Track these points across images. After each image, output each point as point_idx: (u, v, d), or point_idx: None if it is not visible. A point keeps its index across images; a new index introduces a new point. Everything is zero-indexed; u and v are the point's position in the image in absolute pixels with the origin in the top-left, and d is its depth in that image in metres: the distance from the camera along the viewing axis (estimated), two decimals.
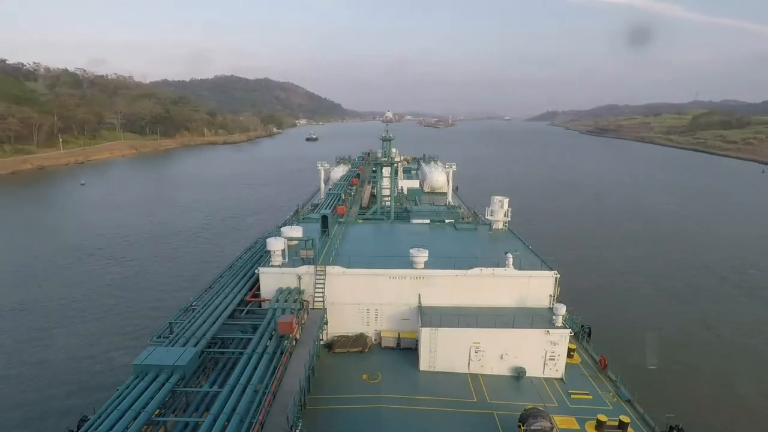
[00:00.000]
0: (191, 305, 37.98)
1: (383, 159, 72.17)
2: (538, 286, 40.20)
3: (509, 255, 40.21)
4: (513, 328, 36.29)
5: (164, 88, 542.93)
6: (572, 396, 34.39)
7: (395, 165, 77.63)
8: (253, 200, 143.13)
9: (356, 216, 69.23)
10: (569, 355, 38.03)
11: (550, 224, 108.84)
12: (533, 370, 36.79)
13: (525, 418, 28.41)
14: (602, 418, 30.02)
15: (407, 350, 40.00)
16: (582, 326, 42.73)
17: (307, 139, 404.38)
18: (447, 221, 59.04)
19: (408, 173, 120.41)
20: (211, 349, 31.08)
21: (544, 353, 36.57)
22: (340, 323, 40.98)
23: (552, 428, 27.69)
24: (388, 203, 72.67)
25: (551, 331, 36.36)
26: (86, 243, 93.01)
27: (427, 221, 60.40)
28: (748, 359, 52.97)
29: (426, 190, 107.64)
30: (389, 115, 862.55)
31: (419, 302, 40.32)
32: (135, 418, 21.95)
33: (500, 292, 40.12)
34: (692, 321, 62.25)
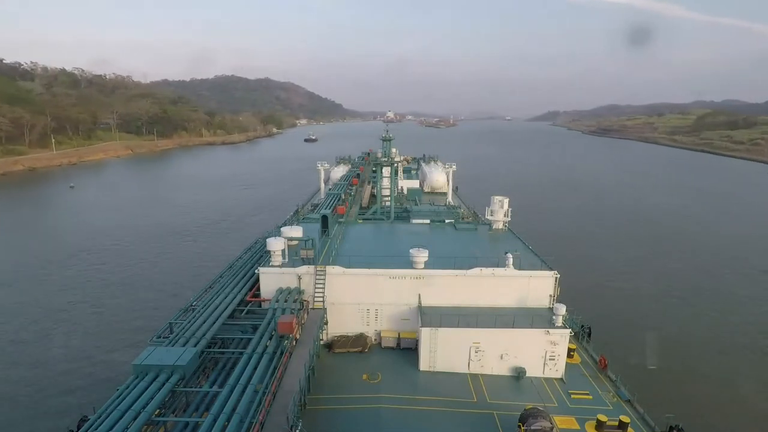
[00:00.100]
0: (191, 305, 38.00)
1: (383, 159, 72.17)
2: (538, 286, 40.20)
3: (509, 255, 40.21)
4: (513, 328, 36.29)
5: (164, 88, 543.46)
6: (572, 396, 34.39)
7: (395, 165, 77.64)
8: (251, 201, 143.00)
9: (356, 216, 69.24)
10: (569, 355, 38.03)
11: (551, 224, 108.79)
12: (533, 370, 36.78)
13: (525, 418, 28.41)
14: (602, 418, 30.02)
15: (407, 350, 40.00)
16: (582, 326, 42.72)
17: (306, 140, 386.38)
18: (447, 221, 59.04)
19: (408, 173, 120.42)
20: (211, 349, 31.08)
21: (544, 353, 36.56)
22: (340, 323, 40.99)
23: (552, 428, 27.68)
24: (388, 203, 72.67)
25: (551, 331, 36.36)
26: (63, 250, 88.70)
27: (427, 221, 60.41)
28: (748, 359, 52.99)
29: (426, 190, 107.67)
30: (390, 115, 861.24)
31: (419, 302, 40.32)
32: (135, 418, 21.95)
33: (500, 292, 40.12)
34: (692, 321, 62.22)
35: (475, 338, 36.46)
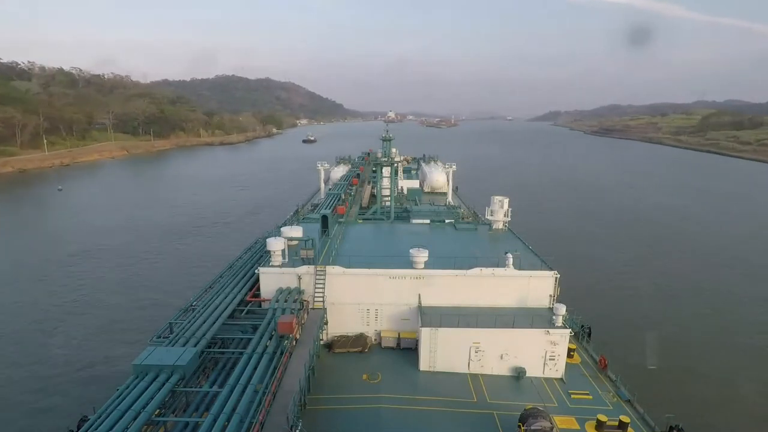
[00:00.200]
0: (191, 305, 38.02)
1: (383, 159, 72.17)
2: (538, 286, 40.21)
3: (509, 255, 40.22)
4: (513, 328, 36.30)
5: (164, 88, 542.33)
6: (572, 396, 34.39)
7: (395, 165, 77.65)
8: (251, 201, 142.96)
9: (356, 216, 69.26)
10: (569, 355, 38.04)
11: (551, 224, 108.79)
12: (533, 370, 36.78)
13: (525, 418, 28.41)
14: (602, 418, 30.02)
15: (407, 350, 40.01)
16: (582, 326, 42.72)
17: (304, 141, 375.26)
18: (447, 221, 59.06)
19: (408, 173, 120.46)
20: (211, 349, 31.09)
21: (544, 353, 36.57)
22: (340, 323, 41.00)
23: (552, 428, 27.69)
24: (388, 203, 72.69)
25: (551, 331, 36.36)
26: (44, 259, 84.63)
27: (427, 221, 60.42)
28: (748, 359, 52.92)
29: (426, 190, 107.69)
30: (391, 115, 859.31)
31: (419, 302, 40.33)
32: (135, 418, 21.97)
33: (500, 292, 40.13)
34: (692, 321, 62.17)
35: (475, 338, 36.47)
